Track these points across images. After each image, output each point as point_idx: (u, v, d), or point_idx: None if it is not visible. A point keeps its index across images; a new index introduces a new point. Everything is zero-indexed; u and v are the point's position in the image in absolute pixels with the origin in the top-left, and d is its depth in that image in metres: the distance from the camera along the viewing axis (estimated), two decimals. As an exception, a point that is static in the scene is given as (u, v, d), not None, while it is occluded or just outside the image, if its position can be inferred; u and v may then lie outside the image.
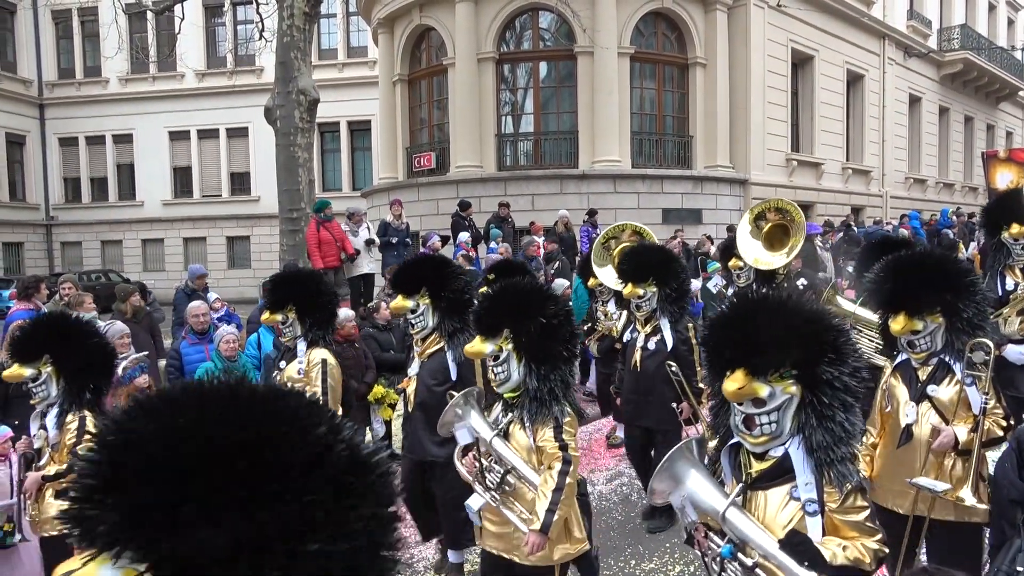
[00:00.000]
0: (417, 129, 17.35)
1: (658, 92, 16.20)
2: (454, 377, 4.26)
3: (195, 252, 26.97)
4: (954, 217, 18.06)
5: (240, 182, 26.93)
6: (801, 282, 9.55)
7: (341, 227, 10.76)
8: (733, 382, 2.14)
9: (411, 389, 4.42)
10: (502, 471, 3.18)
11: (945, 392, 3.29)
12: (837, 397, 2.14)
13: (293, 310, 4.67)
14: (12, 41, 27.22)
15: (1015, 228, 4.94)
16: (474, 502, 3.30)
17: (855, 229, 15.91)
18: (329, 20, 25.68)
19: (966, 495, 3.15)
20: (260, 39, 14.31)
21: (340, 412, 4.78)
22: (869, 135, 21.33)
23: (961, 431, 3.17)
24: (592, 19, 14.81)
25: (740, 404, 2.20)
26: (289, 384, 4.48)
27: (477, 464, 3.29)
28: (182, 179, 27.26)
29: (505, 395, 3.26)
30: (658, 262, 5.25)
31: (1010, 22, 30.54)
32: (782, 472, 2.21)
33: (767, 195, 17.08)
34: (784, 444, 2.21)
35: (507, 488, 3.19)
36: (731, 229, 12.38)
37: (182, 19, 14.62)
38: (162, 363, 7.12)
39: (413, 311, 4.26)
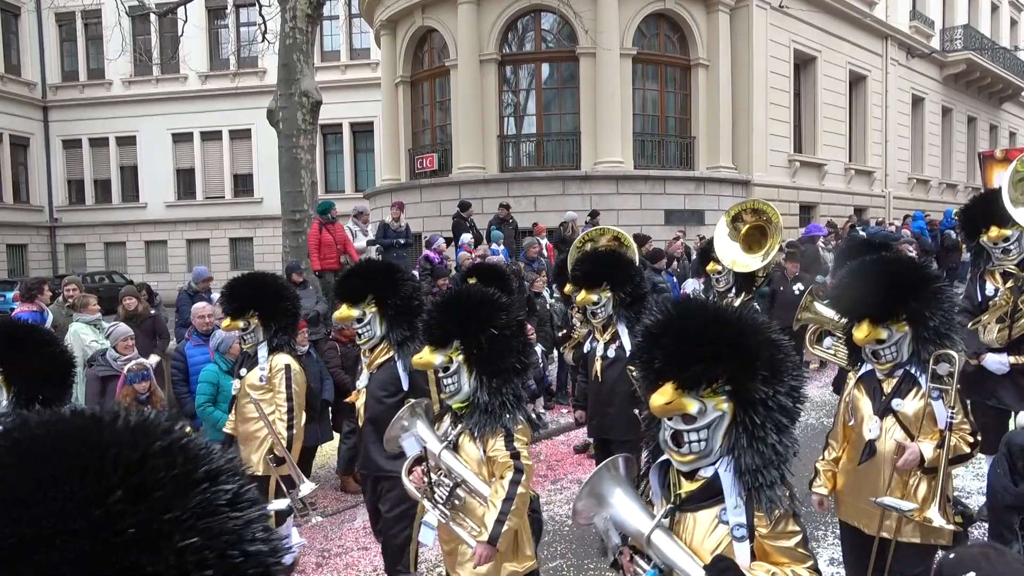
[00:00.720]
0: (419, 131, 17.37)
1: (660, 93, 16.19)
2: (406, 387, 4.04)
3: (198, 254, 27.01)
4: (957, 218, 17.99)
5: (243, 184, 26.98)
6: (798, 287, 9.51)
7: (345, 229, 10.78)
8: (660, 396, 2.00)
9: (360, 402, 4.17)
10: (451, 484, 3.05)
11: (910, 406, 3.14)
12: (771, 417, 1.99)
13: (255, 316, 4.55)
14: (16, 44, 27.30)
15: (994, 231, 4.72)
16: (427, 536, 3.19)
17: (858, 230, 15.87)
18: (332, 22, 25.72)
19: (933, 515, 3.01)
20: (263, 41, 14.33)
21: (304, 418, 4.72)
22: (872, 136, 21.30)
23: (927, 448, 3.03)
24: (594, 20, 14.81)
25: (669, 419, 2.07)
26: (251, 392, 4.46)
27: (426, 478, 3.13)
28: (185, 181, 27.32)
29: (455, 406, 3.14)
30: (611, 266, 5.08)
31: (1013, 22, 30.47)
32: (711, 494, 2.07)
33: (770, 196, 17.06)
34: (714, 464, 2.08)
35: (456, 503, 3.05)
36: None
37: (185, 21, 14.64)
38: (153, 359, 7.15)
39: (359, 320, 4.04)
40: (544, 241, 11.47)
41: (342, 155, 26.52)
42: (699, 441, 2.04)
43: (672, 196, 15.42)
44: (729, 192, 16.30)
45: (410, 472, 3.25)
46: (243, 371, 4.67)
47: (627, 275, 5.06)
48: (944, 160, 25.56)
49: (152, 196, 27.16)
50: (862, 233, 15.44)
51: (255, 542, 0.81)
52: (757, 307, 6.92)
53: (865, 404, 3.23)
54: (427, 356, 3.07)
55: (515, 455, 2.97)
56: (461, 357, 3.06)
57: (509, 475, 2.93)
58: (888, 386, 3.20)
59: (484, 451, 3.01)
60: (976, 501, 5.30)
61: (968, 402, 3.23)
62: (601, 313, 4.98)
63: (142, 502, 0.75)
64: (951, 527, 3.02)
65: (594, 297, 4.96)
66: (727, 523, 2.03)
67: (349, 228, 10.97)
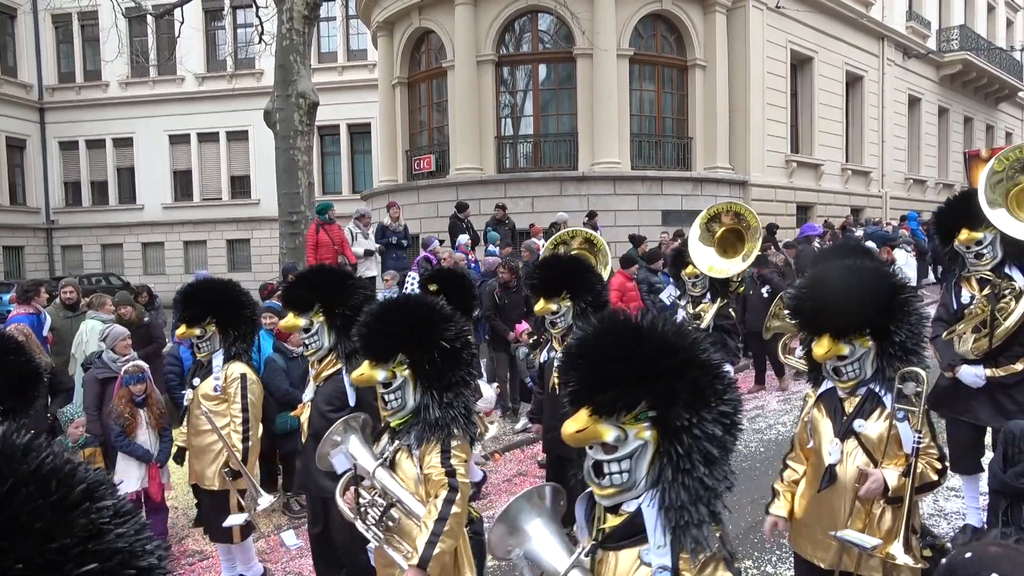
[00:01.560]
0: (417, 132, 17.37)
1: (657, 94, 16.20)
2: (352, 402, 3.80)
3: (195, 255, 27.00)
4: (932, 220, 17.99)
5: (240, 185, 26.97)
6: (765, 290, 9.40)
7: (344, 231, 10.78)
8: (573, 423, 1.79)
9: (305, 416, 3.92)
10: (384, 504, 2.87)
11: (874, 428, 2.90)
12: (698, 447, 1.77)
13: (213, 323, 4.38)
14: (12, 45, 27.27)
15: (964, 234, 4.38)
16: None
17: (852, 230, 15.89)
18: (329, 23, 25.72)
19: (897, 551, 2.76)
20: (260, 42, 14.35)
21: (261, 429, 4.59)
22: (868, 136, 21.34)
23: (891, 475, 2.79)
24: (591, 21, 14.82)
25: (590, 448, 1.85)
26: (204, 403, 4.31)
27: (363, 499, 2.93)
28: (182, 182, 27.30)
29: (393, 423, 2.95)
30: (571, 274, 4.83)
31: (1009, 23, 30.55)
32: (634, 531, 1.85)
33: (767, 196, 17.12)
34: (639, 498, 1.85)
35: (391, 524, 2.86)
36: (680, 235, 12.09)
37: (182, 23, 14.67)
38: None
39: (306, 330, 3.83)
40: (542, 242, 11.48)
41: (339, 156, 26.52)
42: (620, 473, 1.82)
43: (669, 197, 15.43)
44: (726, 192, 16.30)
45: (345, 491, 3.05)
46: (196, 381, 4.49)
47: (588, 283, 4.81)
48: (941, 160, 25.61)
49: (149, 198, 27.13)
50: (858, 233, 15.50)
51: (146, 555, 0.78)
52: (732, 313, 6.83)
53: (825, 425, 3.01)
54: (368, 372, 2.85)
55: (450, 472, 2.78)
56: (407, 372, 2.87)
57: (443, 494, 2.74)
58: (850, 406, 2.97)
59: (421, 468, 2.84)
60: (946, 524, 5.09)
61: (933, 425, 2.97)
62: (560, 323, 4.73)
63: (22, 538, 0.70)
64: (918, 565, 2.80)
65: (553, 306, 4.73)
66: (649, 565, 1.83)
67: (350, 230, 10.96)
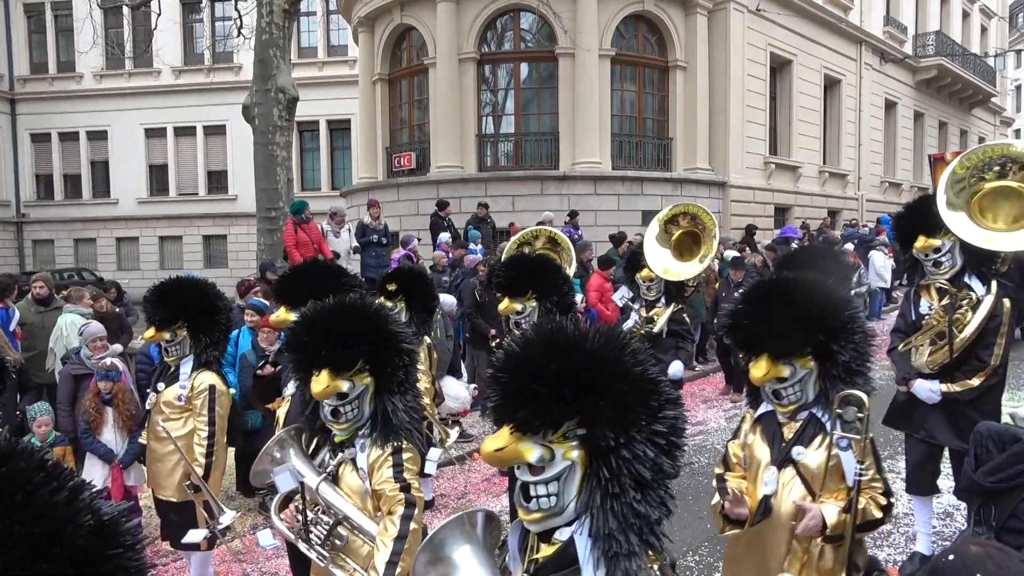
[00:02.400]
0: (397, 129, 17.27)
1: (638, 94, 16.25)
2: None
3: (171, 251, 26.64)
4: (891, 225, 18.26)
5: (217, 180, 26.64)
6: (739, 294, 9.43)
7: (320, 228, 10.68)
8: (493, 440, 1.64)
9: (282, 412, 3.71)
10: (331, 522, 2.70)
11: (813, 457, 2.66)
12: (628, 470, 1.60)
13: (184, 328, 4.14)
14: (-17, 35, 26.72)
15: (921, 241, 4.18)
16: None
17: (827, 232, 16.06)
18: (309, 18, 25.49)
19: None
20: (239, 36, 14.16)
21: (225, 442, 4.38)
22: (846, 139, 21.58)
23: (830, 511, 2.56)
24: (573, 21, 14.82)
25: (517, 469, 1.71)
26: (164, 410, 4.13)
27: (300, 517, 2.74)
28: (158, 177, 26.90)
29: (340, 438, 2.77)
30: (538, 274, 4.73)
31: (983, 29, 31.05)
32: (566, 562, 1.68)
33: (746, 197, 17.26)
34: (571, 525, 1.70)
35: (337, 543, 2.71)
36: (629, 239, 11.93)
37: (159, 14, 14.43)
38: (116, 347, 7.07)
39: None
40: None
41: (319, 152, 26.30)
42: (548, 496, 1.66)
43: (649, 197, 15.48)
44: (706, 193, 16.40)
45: (281, 510, 2.86)
46: (160, 385, 4.27)
47: (555, 284, 4.72)
48: (916, 164, 25.98)
49: (124, 192, 26.71)
50: (836, 234, 15.67)
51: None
52: (687, 317, 6.72)
53: (762, 451, 2.76)
54: (332, 383, 2.63)
55: (405, 487, 2.65)
56: (368, 379, 2.72)
57: (400, 510, 2.60)
58: (790, 431, 2.72)
59: (370, 481, 2.69)
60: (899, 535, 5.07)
61: (879, 456, 2.73)
62: (525, 324, 4.62)
63: None
64: None
65: (518, 306, 4.63)
66: None
67: (322, 228, 10.87)
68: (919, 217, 4.28)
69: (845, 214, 20.99)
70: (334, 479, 2.76)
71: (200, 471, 4.04)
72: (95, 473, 5.23)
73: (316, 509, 2.74)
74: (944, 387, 4.16)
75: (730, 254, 11.88)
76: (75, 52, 24.71)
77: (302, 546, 2.74)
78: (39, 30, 27.25)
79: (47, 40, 27.14)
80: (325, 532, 2.70)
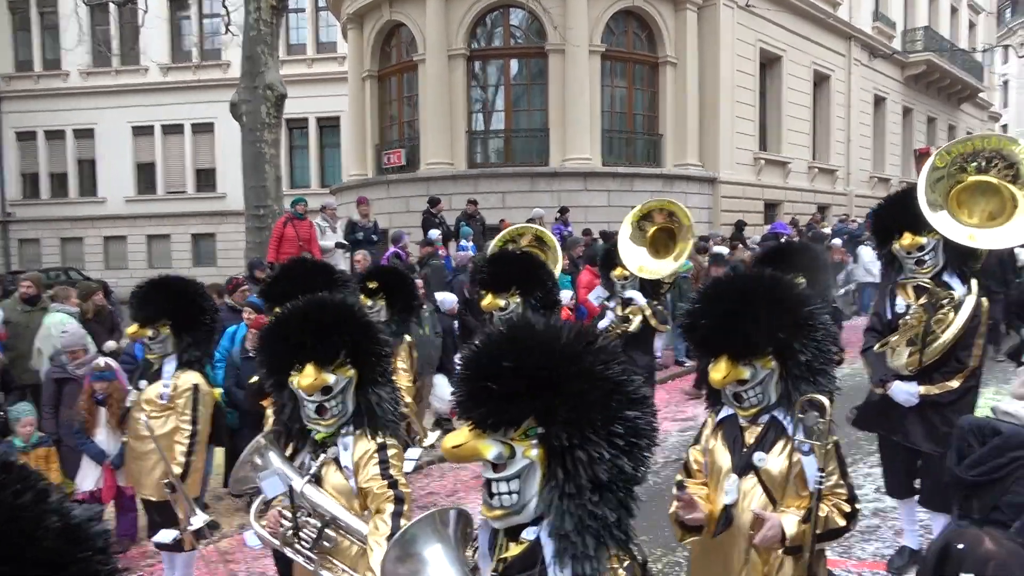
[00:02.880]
0: (387, 126, 17.20)
1: (629, 90, 16.24)
2: None
3: (159, 250, 26.47)
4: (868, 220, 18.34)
5: (206, 179, 26.48)
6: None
7: (314, 225, 10.60)
8: (452, 437, 1.66)
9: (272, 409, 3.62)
10: (319, 525, 2.64)
11: (775, 463, 2.53)
12: (584, 471, 1.58)
13: (168, 325, 4.10)
14: (-33, 32, 26.45)
15: (907, 238, 3.96)
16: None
17: (816, 227, 16.08)
18: (298, 15, 25.36)
19: None
20: (226, 33, 14.06)
21: (206, 442, 4.32)
22: (835, 135, 21.65)
23: (790, 520, 2.44)
24: (563, 17, 14.79)
25: (482, 466, 1.70)
26: (146, 409, 4.08)
27: (287, 520, 2.66)
28: (146, 175, 26.72)
29: (320, 436, 2.71)
30: (522, 270, 4.70)
31: (971, 24, 31.20)
32: (533, 561, 1.66)
33: (736, 193, 17.28)
34: (537, 525, 1.69)
35: (326, 544, 2.65)
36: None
37: (145, 11, 14.27)
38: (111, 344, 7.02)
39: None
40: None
41: (308, 150, 26.18)
42: (509, 494, 1.66)
43: (640, 193, 15.41)
44: (696, 189, 16.42)
45: (261, 515, 2.80)
46: (142, 383, 4.24)
47: (538, 280, 4.70)
48: (905, 159, 26.06)
49: (111, 191, 26.51)
50: (826, 230, 15.71)
51: None
52: (664, 314, 6.56)
53: (723, 458, 2.64)
54: (319, 375, 2.59)
55: (393, 484, 2.63)
56: (352, 372, 2.68)
57: (389, 507, 2.57)
58: (751, 436, 2.59)
59: (356, 479, 2.65)
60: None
61: (844, 461, 2.62)
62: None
63: None
64: None
65: (501, 302, 4.60)
66: None
67: (318, 224, 10.80)
68: (903, 212, 4.07)
69: (834, 209, 21.05)
70: (317, 480, 2.70)
71: (179, 470, 4.00)
72: (88, 474, 5.22)
73: (301, 512, 2.68)
74: (923, 389, 3.98)
75: (720, 250, 11.89)
76: (61, 50, 24.48)
77: (287, 551, 2.67)
78: (24, 27, 26.99)
79: (32, 37, 26.89)
80: (314, 535, 2.64)
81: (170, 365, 4.15)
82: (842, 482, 2.54)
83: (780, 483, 2.51)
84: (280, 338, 2.71)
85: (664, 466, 6.90)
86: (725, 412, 2.69)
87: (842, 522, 2.50)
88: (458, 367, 1.75)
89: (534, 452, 1.64)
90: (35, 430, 5.11)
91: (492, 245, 6.78)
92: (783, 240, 12.61)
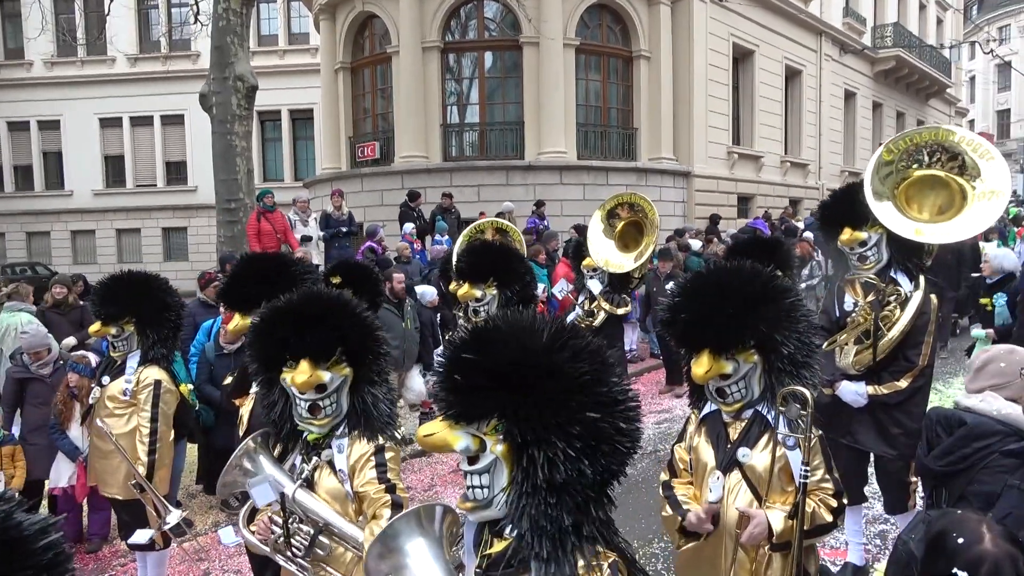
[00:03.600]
0: (360, 118, 17.05)
1: (603, 84, 16.26)
2: None
3: (129, 244, 26.00)
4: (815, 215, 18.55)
5: (176, 171, 26.04)
6: (670, 287, 9.35)
7: (286, 217, 10.50)
8: (427, 427, 1.67)
9: (247, 409, 3.43)
10: (311, 532, 2.54)
11: (760, 458, 2.49)
12: (542, 471, 1.56)
13: (131, 323, 4.04)
14: (-74, 20, 25.70)
15: (846, 233, 3.89)
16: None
17: (789, 221, 16.26)
18: (269, 5, 25.01)
19: None
20: (195, 23, 13.80)
21: (172, 437, 4.24)
22: (806, 129, 21.89)
23: (776, 516, 2.40)
24: (537, 10, 14.75)
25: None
26: (108, 405, 4.00)
27: (278, 527, 2.56)
28: (114, 168, 26.20)
29: (312, 437, 2.62)
30: (498, 261, 4.67)
31: (939, 21, 31.70)
32: (515, 557, 1.67)
33: (710, 187, 17.40)
34: (495, 516, 1.69)
35: (319, 552, 2.56)
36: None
37: (111, 0, 13.96)
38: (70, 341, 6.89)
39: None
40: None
41: (281, 143, 25.85)
42: (480, 487, 1.65)
43: (615, 187, 15.47)
44: (671, 183, 16.51)
45: (250, 521, 2.71)
46: (105, 379, 4.15)
47: (516, 272, 4.67)
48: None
49: (78, 184, 25.96)
50: (799, 224, 15.88)
51: None
52: (627, 301, 6.61)
53: (708, 454, 2.60)
54: (314, 372, 2.49)
55: (391, 488, 2.56)
56: (347, 370, 2.59)
57: (386, 513, 2.49)
58: (735, 432, 2.56)
59: (351, 483, 2.57)
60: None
61: (830, 455, 2.60)
62: (483, 312, 4.56)
63: None
64: None
65: (477, 293, 4.57)
66: None
67: (289, 218, 10.69)
68: (846, 207, 4.00)
69: (806, 203, 21.30)
70: (309, 484, 2.61)
71: (143, 470, 3.92)
72: (62, 470, 5.17)
73: (292, 518, 2.59)
74: (871, 389, 3.87)
75: (694, 243, 11.98)
76: (24, 38, 23.87)
77: (279, 559, 2.57)
78: (-15, 16, 26.31)
79: (-6, 26, 26.22)
80: (306, 543, 2.54)
81: (133, 360, 4.08)
82: (828, 477, 2.52)
83: (765, 479, 2.47)
84: (273, 332, 2.59)
85: (640, 458, 6.94)
86: (709, 408, 2.65)
87: (829, 518, 2.48)
88: (439, 359, 1.76)
89: (499, 448, 1.63)
90: (-1, 428, 5.01)
91: (458, 243, 6.68)
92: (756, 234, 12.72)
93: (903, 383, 3.84)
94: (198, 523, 5.81)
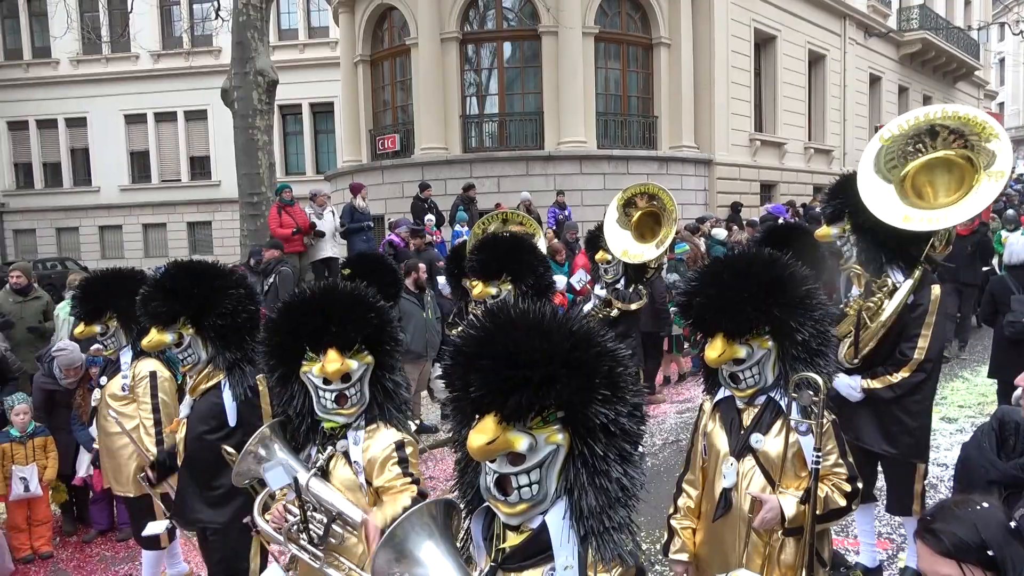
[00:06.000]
0: (380, 111, 17.11)
1: (623, 72, 16.16)
2: (232, 422, 3.26)
3: (155, 239, 26.40)
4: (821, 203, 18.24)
5: (200, 166, 26.37)
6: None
7: (305, 211, 10.58)
8: (481, 434, 1.56)
9: (180, 435, 3.37)
10: (325, 520, 2.54)
11: (773, 444, 2.50)
12: (614, 445, 1.61)
13: (114, 318, 4.08)
14: (-45, 21, 26.19)
15: (820, 229, 4.03)
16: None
17: (813, 209, 16.05)
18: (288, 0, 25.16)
19: None
20: (216, 18, 13.93)
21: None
22: (830, 115, 21.57)
23: (789, 502, 2.42)
24: (556, -2, 14.69)
25: (492, 461, 1.64)
26: (112, 404, 3.98)
27: (292, 516, 2.56)
28: (140, 164, 26.59)
29: (329, 426, 2.63)
30: (511, 255, 4.57)
31: (967, 2, 31.04)
32: (539, 548, 1.63)
33: (731, 175, 17.24)
34: (543, 512, 1.65)
35: (333, 541, 2.56)
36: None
37: (134, -3, 14.17)
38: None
39: (178, 344, 3.31)
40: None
41: (302, 136, 26.05)
42: (530, 485, 1.62)
43: (635, 176, 15.37)
44: (692, 171, 16.39)
45: (265, 510, 2.69)
46: (103, 379, 4.20)
47: (529, 265, 4.58)
48: (900, 139, 26.02)
49: (105, 179, 26.39)
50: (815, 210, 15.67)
51: None
52: (642, 294, 6.52)
53: (721, 440, 2.61)
54: (343, 361, 2.53)
55: (415, 480, 2.58)
56: (370, 358, 2.63)
57: (408, 499, 2.50)
58: (748, 418, 2.57)
59: (371, 477, 2.58)
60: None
61: (843, 440, 2.59)
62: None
63: None
64: None
65: (492, 290, 4.50)
66: None
67: (305, 213, 10.76)
68: (830, 202, 4.10)
69: (830, 190, 21.02)
70: (323, 474, 2.62)
71: (153, 459, 3.90)
72: (83, 460, 5.29)
73: (307, 507, 2.59)
74: (864, 383, 3.74)
75: (718, 232, 11.90)
76: (50, 37, 24.24)
77: (292, 547, 2.57)
78: (12, 14, 26.72)
79: (20, 26, 26.63)
80: (321, 530, 2.54)
81: (126, 356, 4.10)
82: (841, 462, 2.52)
83: (778, 465, 2.48)
84: (294, 326, 2.61)
85: (663, 447, 6.94)
86: (722, 394, 2.66)
87: (843, 502, 2.48)
88: (464, 357, 1.64)
89: (559, 437, 1.61)
90: (30, 419, 5.11)
91: (472, 232, 6.62)
92: (780, 222, 12.58)
93: (896, 377, 3.68)
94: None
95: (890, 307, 3.68)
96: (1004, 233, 9.26)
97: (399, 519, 1.78)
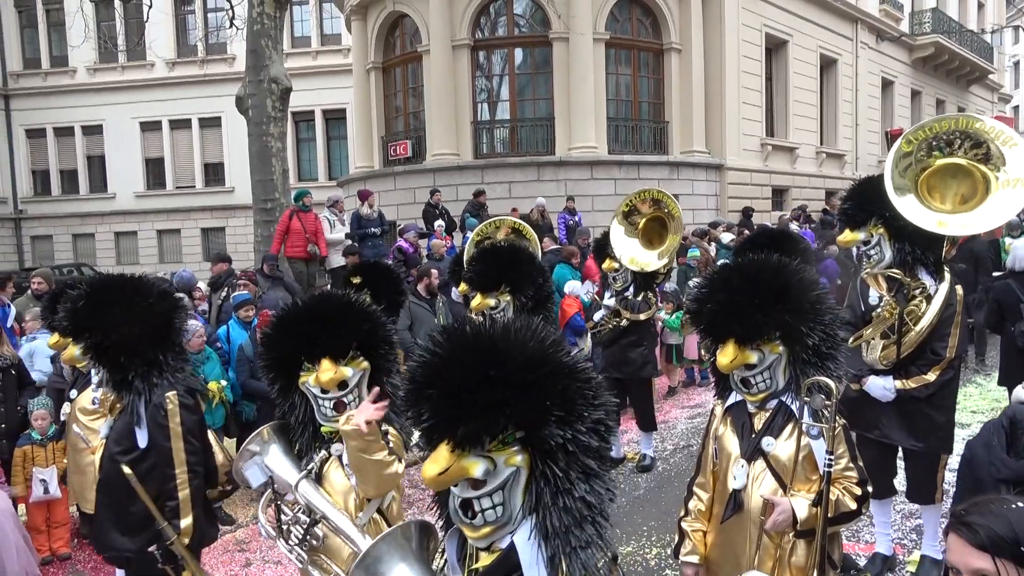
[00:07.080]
0: (392, 117, 17.22)
1: (633, 78, 16.19)
2: (143, 444, 3.04)
3: (170, 245, 26.64)
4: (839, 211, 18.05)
5: (214, 173, 26.61)
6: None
7: (322, 219, 10.65)
8: (433, 464, 1.53)
9: (97, 457, 3.21)
10: (308, 522, 2.59)
11: (784, 447, 2.54)
12: (575, 463, 1.57)
13: None
14: (-26, 31, 26.58)
15: (846, 235, 4.03)
16: None
17: (832, 213, 16.00)
18: (301, 7, 25.37)
19: None
20: (231, 27, 14.08)
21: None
22: (842, 119, 21.50)
23: (800, 504, 2.45)
24: (567, 5, 14.74)
25: (455, 487, 1.61)
26: (80, 417, 3.86)
27: (280, 515, 2.63)
28: (154, 170, 26.87)
29: (326, 429, 2.69)
30: (510, 266, 4.51)
31: (980, 5, 30.85)
32: (509, 569, 1.60)
33: (743, 180, 17.23)
34: (511, 532, 1.62)
35: (314, 543, 2.59)
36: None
37: (150, 7, 14.30)
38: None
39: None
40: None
41: (315, 143, 26.24)
42: (494, 508, 1.59)
43: (646, 181, 15.39)
44: (703, 176, 16.38)
45: (267, 508, 2.76)
46: (73, 393, 4.04)
47: (528, 276, 4.52)
48: (913, 143, 25.86)
49: (121, 186, 26.68)
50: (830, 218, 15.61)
51: None
52: (652, 302, 6.46)
53: (732, 443, 2.66)
54: (337, 369, 2.59)
55: (392, 452, 2.64)
56: (365, 363, 2.69)
57: (384, 454, 2.58)
58: (759, 421, 2.61)
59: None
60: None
61: (854, 444, 2.63)
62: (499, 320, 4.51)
63: None
64: None
65: (491, 302, 4.46)
66: None
67: (326, 218, 10.83)
68: (845, 208, 4.13)
69: (843, 195, 20.91)
70: (317, 478, 2.66)
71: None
72: None
73: (296, 508, 2.65)
74: (899, 384, 3.85)
75: (726, 237, 11.88)
76: (68, 46, 24.57)
77: (282, 545, 2.63)
78: (31, 24, 27.12)
79: (39, 35, 27.01)
80: (302, 533, 2.59)
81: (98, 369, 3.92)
82: (852, 465, 2.55)
83: (789, 468, 2.51)
84: (287, 337, 2.67)
85: (673, 452, 6.96)
86: (733, 398, 2.71)
87: (853, 505, 2.51)
88: (413, 384, 1.61)
89: (519, 458, 1.58)
90: (50, 423, 5.20)
91: (467, 246, 6.46)
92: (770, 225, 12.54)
93: (931, 376, 3.82)
94: (239, 516, 5.99)
95: (932, 310, 3.78)
96: (1008, 240, 9.18)
97: (374, 540, 1.79)
